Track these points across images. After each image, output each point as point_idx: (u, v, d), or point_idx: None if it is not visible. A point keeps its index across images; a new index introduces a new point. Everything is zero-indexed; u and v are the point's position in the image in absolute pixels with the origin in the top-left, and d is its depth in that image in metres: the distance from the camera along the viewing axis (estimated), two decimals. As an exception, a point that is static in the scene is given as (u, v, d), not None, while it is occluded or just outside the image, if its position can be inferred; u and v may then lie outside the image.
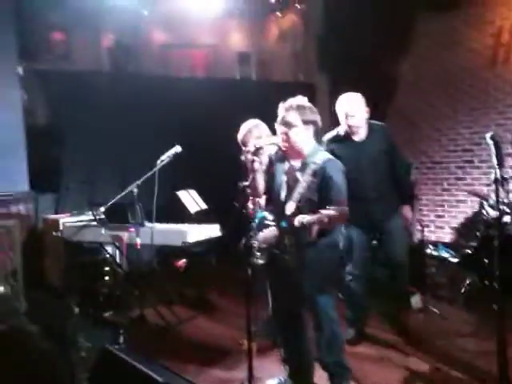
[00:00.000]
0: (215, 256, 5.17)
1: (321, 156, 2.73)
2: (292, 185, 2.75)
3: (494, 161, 2.19)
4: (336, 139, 3.66)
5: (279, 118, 2.80)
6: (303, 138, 2.77)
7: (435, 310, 4.23)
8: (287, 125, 2.74)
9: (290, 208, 2.67)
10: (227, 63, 7.48)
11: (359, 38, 6.74)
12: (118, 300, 4.33)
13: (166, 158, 3.94)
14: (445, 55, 6.53)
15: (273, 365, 3.27)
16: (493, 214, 4.75)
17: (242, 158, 2.95)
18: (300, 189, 2.66)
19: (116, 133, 5.56)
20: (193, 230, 4.34)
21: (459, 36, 6.40)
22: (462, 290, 4.48)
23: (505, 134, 5.97)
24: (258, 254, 2.79)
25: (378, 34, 6.61)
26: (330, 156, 2.79)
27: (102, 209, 4.18)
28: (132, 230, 4.11)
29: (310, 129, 2.78)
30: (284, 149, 2.81)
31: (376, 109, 6.77)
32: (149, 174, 3.91)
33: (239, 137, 3.65)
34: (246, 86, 7.14)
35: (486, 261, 4.29)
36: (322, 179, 2.64)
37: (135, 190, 3.96)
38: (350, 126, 3.61)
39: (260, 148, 2.82)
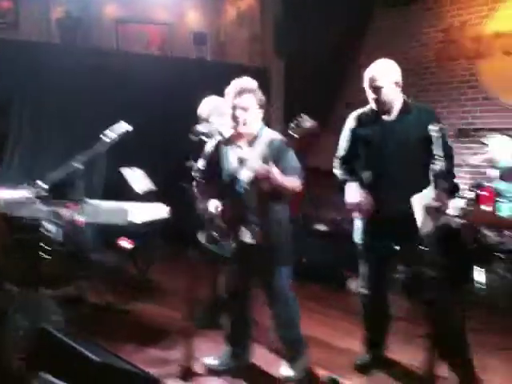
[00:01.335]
0: (161, 237, 5.11)
1: (270, 134, 2.80)
2: (244, 160, 2.78)
3: (439, 153, 2.26)
4: (361, 118, 3.05)
5: (234, 102, 2.79)
6: (258, 120, 2.82)
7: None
8: (244, 109, 2.76)
9: (244, 175, 2.71)
10: (183, 42, 7.36)
11: (316, 25, 6.78)
12: (58, 279, 4.22)
13: (113, 134, 3.84)
14: (398, 48, 6.67)
15: (210, 345, 3.31)
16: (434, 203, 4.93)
17: (193, 137, 2.91)
18: (253, 159, 2.68)
19: (63, 107, 5.38)
20: (139, 209, 4.28)
21: (412, 30, 6.57)
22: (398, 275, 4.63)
23: (450, 128, 6.19)
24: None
25: (335, 21, 6.67)
26: (279, 135, 2.82)
27: (44, 184, 4.04)
28: (75, 206, 4.00)
29: (262, 111, 2.83)
30: (240, 132, 2.83)
31: (328, 98, 6.96)
32: (94, 150, 3.80)
33: (201, 112, 3.60)
34: (201, 66, 7.04)
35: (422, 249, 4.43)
36: (272, 151, 2.67)
37: (78, 166, 3.84)
38: (375, 101, 2.91)
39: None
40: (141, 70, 5.77)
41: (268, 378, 2.96)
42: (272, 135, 2.79)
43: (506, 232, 4.53)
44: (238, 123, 2.80)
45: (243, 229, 2.74)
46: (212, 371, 2.98)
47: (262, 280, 2.89)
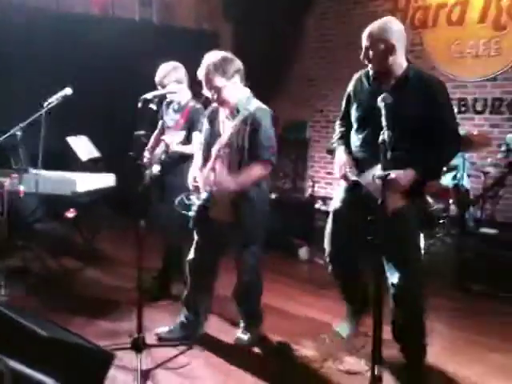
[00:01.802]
0: (107, 207, 5.00)
1: (252, 104, 2.80)
2: (223, 132, 2.83)
3: (384, 122, 2.26)
4: (359, 80, 2.78)
5: (204, 81, 2.77)
6: (232, 91, 2.80)
7: (320, 261, 4.47)
8: (216, 88, 2.76)
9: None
10: (126, 3, 7.03)
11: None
12: (-1, 250, 4.06)
13: (54, 100, 3.66)
14: (347, 17, 6.68)
15: (160, 315, 3.31)
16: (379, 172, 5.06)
17: (139, 104, 2.82)
18: (229, 133, 2.73)
19: (1, 71, 5.08)
20: (83, 178, 4.15)
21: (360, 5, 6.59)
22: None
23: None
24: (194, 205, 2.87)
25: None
26: (261, 104, 2.83)
27: (-19, 152, 3.83)
28: (14, 176, 3.82)
29: (237, 78, 2.80)
30: (216, 104, 2.88)
31: (277, 65, 6.91)
32: (34, 116, 3.62)
33: (157, 79, 3.54)
34: (146, 28, 6.78)
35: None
36: (251, 125, 2.72)
37: (19, 133, 3.65)
38: (368, 65, 2.64)
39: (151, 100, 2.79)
40: (82, 32, 5.51)
41: (221, 345, 2.99)
42: (255, 105, 2.79)
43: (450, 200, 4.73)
44: (212, 98, 2.82)
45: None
46: (164, 340, 2.98)
47: (234, 254, 2.97)
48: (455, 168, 4.67)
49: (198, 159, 3.04)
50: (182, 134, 3.49)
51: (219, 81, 2.75)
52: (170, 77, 3.50)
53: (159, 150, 3.69)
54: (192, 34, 6.60)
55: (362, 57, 2.62)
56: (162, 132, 3.79)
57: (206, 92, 2.85)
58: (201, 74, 2.79)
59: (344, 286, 3.04)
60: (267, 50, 6.70)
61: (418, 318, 2.62)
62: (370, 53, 2.55)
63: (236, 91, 2.82)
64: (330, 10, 6.87)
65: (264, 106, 2.84)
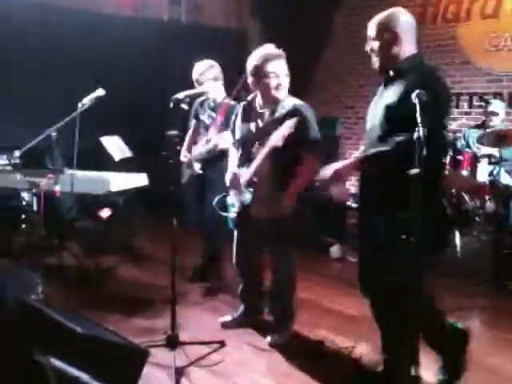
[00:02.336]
0: (141, 206, 5.07)
1: (291, 100, 2.84)
2: (264, 131, 2.80)
3: (418, 119, 2.21)
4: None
5: (268, 69, 2.77)
6: (286, 87, 2.84)
7: (352, 259, 4.43)
8: (278, 75, 2.78)
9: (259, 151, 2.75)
10: (156, 2, 7.09)
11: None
12: (36, 249, 4.15)
13: (87, 101, 3.73)
14: (376, 13, 6.58)
15: (194, 313, 3.35)
16: (414, 170, 4.98)
17: (171, 104, 2.85)
18: (283, 129, 2.66)
19: (33, 71, 5.18)
20: (117, 178, 4.21)
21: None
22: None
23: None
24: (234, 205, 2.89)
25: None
26: (299, 101, 2.86)
27: (18, 153, 3.94)
28: (50, 176, 3.91)
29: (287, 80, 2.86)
30: (264, 99, 2.86)
31: (306, 62, 6.87)
32: (69, 117, 3.70)
33: (194, 76, 3.62)
34: (176, 28, 6.83)
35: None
36: (298, 120, 2.69)
37: (54, 134, 3.73)
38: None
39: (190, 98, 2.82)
40: (112, 32, 5.58)
41: (254, 343, 2.99)
42: (294, 101, 2.82)
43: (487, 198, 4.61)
44: (270, 88, 2.80)
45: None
46: (228, 328, 3.14)
47: (269, 249, 3.04)
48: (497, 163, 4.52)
49: (234, 158, 3.04)
50: (229, 132, 3.50)
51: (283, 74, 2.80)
52: (208, 74, 3.57)
53: (197, 148, 3.73)
54: (220, 33, 6.61)
55: (366, 47, 2.48)
56: (197, 131, 3.83)
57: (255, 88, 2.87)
58: (255, 69, 2.80)
59: None
60: (295, 48, 6.67)
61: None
62: (375, 44, 2.42)
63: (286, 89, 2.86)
64: (359, 5, 6.78)
65: (303, 102, 2.86)
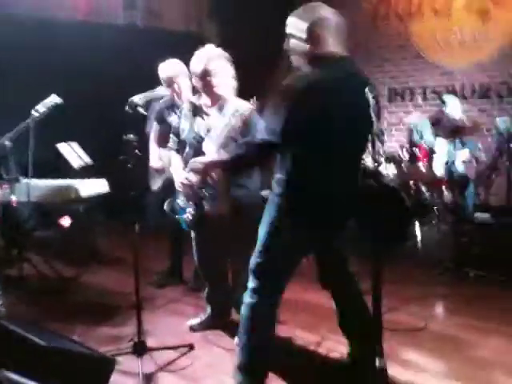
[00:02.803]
0: (102, 212, 4.98)
1: (236, 101, 2.83)
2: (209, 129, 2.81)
3: (372, 114, 2.26)
4: None
5: (207, 68, 2.77)
6: (228, 87, 2.85)
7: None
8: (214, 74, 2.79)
9: (209, 149, 2.71)
10: (110, 7, 6.98)
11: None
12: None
13: (42, 108, 3.64)
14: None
15: (160, 318, 3.32)
16: (370, 165, 5.08)
17: (127, 108, 2.81)
18: (222, 131, 2.66)
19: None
20: (76, 185, 4.13)
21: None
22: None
23: (381, 87, 6.34)
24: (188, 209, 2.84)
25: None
26: (245, 102, 2.84)
27: (-29, 164, 3.81)
28: (6, 186, 3.81)
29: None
30: (207, 99, 2.87)
31: (265, 63, 6.90)
32: (22, 125, 3.61)
33: (165, 74, 3.54)
34: (132, 32, 6.75)
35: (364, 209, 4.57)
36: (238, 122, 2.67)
37: (7, 143, 3.64)
38: None
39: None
40: (67, 38, 5.48)
41: (222, 345, 2.99)
42: (238, 104, 2.79)
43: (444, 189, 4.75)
44: (209, 88, 2.81)
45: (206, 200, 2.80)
46: (196, 331, 3.12)
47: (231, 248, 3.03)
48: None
49: (177, 161, 3.01)
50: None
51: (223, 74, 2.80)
52: (179, 71, 3.51)
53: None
54: (178, 37, 6.56)
55: (284, 45, 2.33)
56: (163, 135, 3.70)
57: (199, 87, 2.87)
58: (200, 68, 2.80)
59: None
60: (254, 50, 6.70)
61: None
62: (291, 42, 2.27)
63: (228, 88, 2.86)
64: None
65: (248, 103, 2.82)
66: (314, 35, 2.17)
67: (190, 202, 2.84)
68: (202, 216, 2.84)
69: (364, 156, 5.39)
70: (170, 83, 3.53)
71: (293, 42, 2.24)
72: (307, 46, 2.18)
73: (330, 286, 2.56)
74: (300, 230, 2.22)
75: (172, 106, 3.68)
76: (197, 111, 2.95)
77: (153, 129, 3.86)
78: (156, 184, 3.83)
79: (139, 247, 2.70)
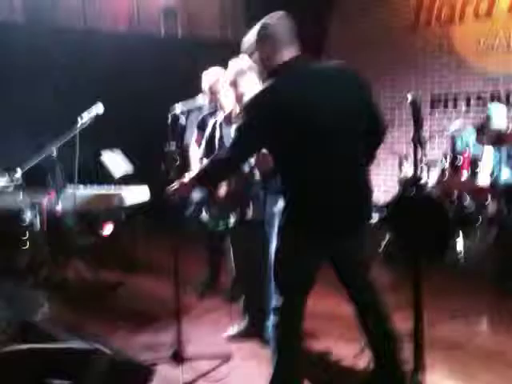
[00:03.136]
0: (144, 219, 5.07)
1: None
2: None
3: (414, 122, 2.23)
4: None
5: (234, 79, 2.84)
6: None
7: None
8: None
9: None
10: (151, 18, 7.13)
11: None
12: (39, 269, 4.16)
13: (87, 118, 3.75)
14: (368, 17, 6.62)
15: (199, 327, 3.34)
16: (410, 173, 4.99)
17: (170, 119, 2.86)
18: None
19: (31, 91, 5.23)
20: (119, 193, 4.22)
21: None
22: (381, 248, 4.71)
23: (423, 94, 6.22)
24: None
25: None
26: None
27: (19, 172, 3.95)
28: (52, 194, 3.93)
29: None
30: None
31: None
32: (69, 134, 3.72)
33: (207, 85, 3.54)
34: (172, 43, 6.87)
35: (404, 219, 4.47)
36: None
37: (54, 152, 3.77)
38: None
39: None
40: (109, 47, 5.64)
41: (260, 355, 2.98)
42: None
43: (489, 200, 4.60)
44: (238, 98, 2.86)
45: (248, 207, 2.82)
46: (234, 339, 3.12)
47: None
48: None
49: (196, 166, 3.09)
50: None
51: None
52: (221, 81, 3.40)
53: None
54: (216, 46, 6.64)
55: None
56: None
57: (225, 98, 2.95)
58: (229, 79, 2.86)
59: None
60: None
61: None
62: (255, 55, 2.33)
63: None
64: (354, 10, 6.81)
65: None
66: (263, 47, 2.21)
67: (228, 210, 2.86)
68: (244, 220, 2.86)
69: (405, 164, 5.30)
70: (212, 91, 3.53)
71: (253, 60, 2.29)
72: (262, 59, 2.23)
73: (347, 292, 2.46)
74: (304, 240, 2.19)
75: (215, 114, 3.68)
76: (232, 119, 2.98)
77: (194, 137, 3.87)
78: (196, 193, 3.84)
79: (179, 255, 2.74)
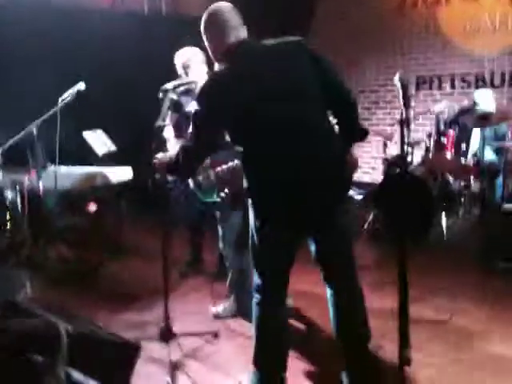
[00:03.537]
0: (126, 199, 5.02)
1: None
2: None
3: (401, 101, 2.21)
4: None
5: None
6: None
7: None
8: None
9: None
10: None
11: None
12: (21, 248, 4.10)
13: (68, 95, 3.66)
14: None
15: (185, 305, 3.34)
16: (395, 152, 5.02)
17: (160, 95, 2.80)
18: None
19: (12, 69, 5.11)
20: (102, 172, 4.16)
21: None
22: (365, 226, 4.75)
23: (409, 75, 6.22)
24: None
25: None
26: None
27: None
28: (33, 173, 3.86)
29: None
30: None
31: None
32: (49, 112, 3.64)
33: (181, 60, 3.46)
34: (155, 20, 6.75)
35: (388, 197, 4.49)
36: None
37: (34, 131, 3.68)
38: None
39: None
40: (92, 26, 5.53)
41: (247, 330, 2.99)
42: None
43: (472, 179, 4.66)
44: None
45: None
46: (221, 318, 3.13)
47: None
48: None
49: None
50: None
51: None
52: (196, 58, 3.42)
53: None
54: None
55: None
56: (179, 124, 3.68)
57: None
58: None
59: None
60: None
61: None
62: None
63: None
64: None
65: None
66: (210, 35, 2.22)
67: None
68: (239, 195, 2.82)
69: (388, 145, 5.32)
70: (186, 69, 3.46)
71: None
72: (211, 46, 2.23)
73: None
74: (271, 226, 2.14)
75: (187, 93, 3.62)
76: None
77: (168, 119, 3.74)
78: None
79: (168, 234, 2.71)
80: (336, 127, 2.25)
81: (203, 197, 3.00)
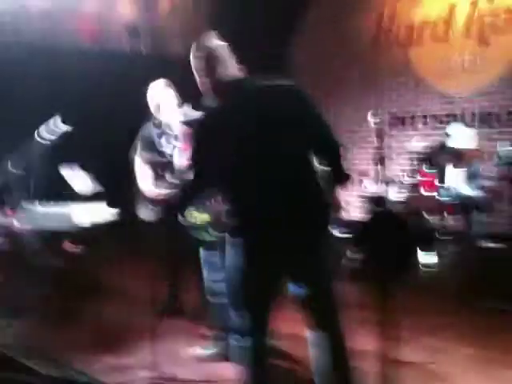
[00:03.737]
0: (110, 237, 4.95)
1: None
2: None
3: (375, 140, 2.29)
4: None
5: None
6: None
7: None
8: None
9: None
10: (115, 34, 7.08)
11: (251, 12, 6.76)
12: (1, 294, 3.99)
13: (49, 136, 3.65)
14: (333, 35, 6.77)
15: (169, 346, 3.25)
16: (373, 190, 5.10)
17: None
18: None
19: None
20: (82, 211, 4.12)
21: (345, 19, 6.69)
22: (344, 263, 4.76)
23: (384, 114, 6.39)
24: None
25: (269, 6, 6.67)
26: None
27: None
28: (10, 213, 3.81)
29: None
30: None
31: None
32: (30, 152, 3.63)
33: (153, 101, 3.43)
34: (136, 60, 6.83)
35: (370, 235, 4.54)
36: None
37: (13, 170, 3.66)
38: None
39: None
40: (72, 65, 5.56)
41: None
42: None
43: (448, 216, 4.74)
44: None
45: None
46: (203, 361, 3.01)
47: None
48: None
49: None
50: None
51: None
52: (169, 95, 3.41)
53: None
54: (182, 62, 6.64)
55: None
56: (158, 165, 3.47)
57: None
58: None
59: None
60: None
61: None
62: None
63: None
64: (316, 35, 6.96)
65: None
66: (199, 70, 2.25)
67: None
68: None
69: (365, 181, 5.42)
70: (158, 109, 3.41)
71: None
72: (200, 81, 2.25)
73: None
74: (259, 263, 2.15)
75: (163, 133, 3.47)
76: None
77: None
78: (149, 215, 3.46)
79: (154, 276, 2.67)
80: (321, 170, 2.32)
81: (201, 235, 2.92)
